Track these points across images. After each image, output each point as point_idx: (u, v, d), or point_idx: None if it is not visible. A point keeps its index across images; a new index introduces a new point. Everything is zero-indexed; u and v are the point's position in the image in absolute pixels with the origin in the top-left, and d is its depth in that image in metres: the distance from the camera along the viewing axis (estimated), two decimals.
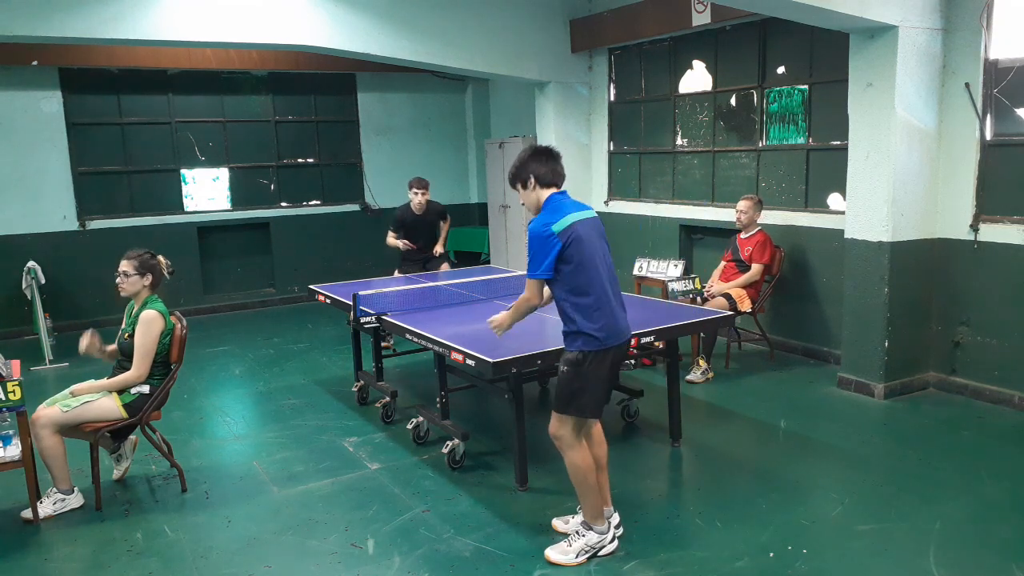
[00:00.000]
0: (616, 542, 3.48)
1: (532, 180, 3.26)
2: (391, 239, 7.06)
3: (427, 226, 7.10)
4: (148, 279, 4.14)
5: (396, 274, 7.08)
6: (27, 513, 3.98)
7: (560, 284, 3.22)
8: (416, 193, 6.94)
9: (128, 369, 4.10)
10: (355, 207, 10.41)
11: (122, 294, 4.18)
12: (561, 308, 3.27)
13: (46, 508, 4.02)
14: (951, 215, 5.41)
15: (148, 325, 4.06)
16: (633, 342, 3.73)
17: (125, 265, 4.11)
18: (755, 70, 6.78)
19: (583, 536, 3.42)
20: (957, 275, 5.43)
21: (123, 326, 4.26)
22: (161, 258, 4.23)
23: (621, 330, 3.30)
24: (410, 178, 7.09)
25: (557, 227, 3.12)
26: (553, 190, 3.28)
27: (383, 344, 6.74)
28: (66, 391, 4.16)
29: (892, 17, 5.02)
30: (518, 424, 4.09)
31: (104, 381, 4.14)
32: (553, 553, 3.42)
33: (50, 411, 3.98)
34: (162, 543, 3.74)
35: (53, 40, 6.48)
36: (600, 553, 3.42)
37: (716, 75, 7.23)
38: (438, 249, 7.23)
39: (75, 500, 4.11)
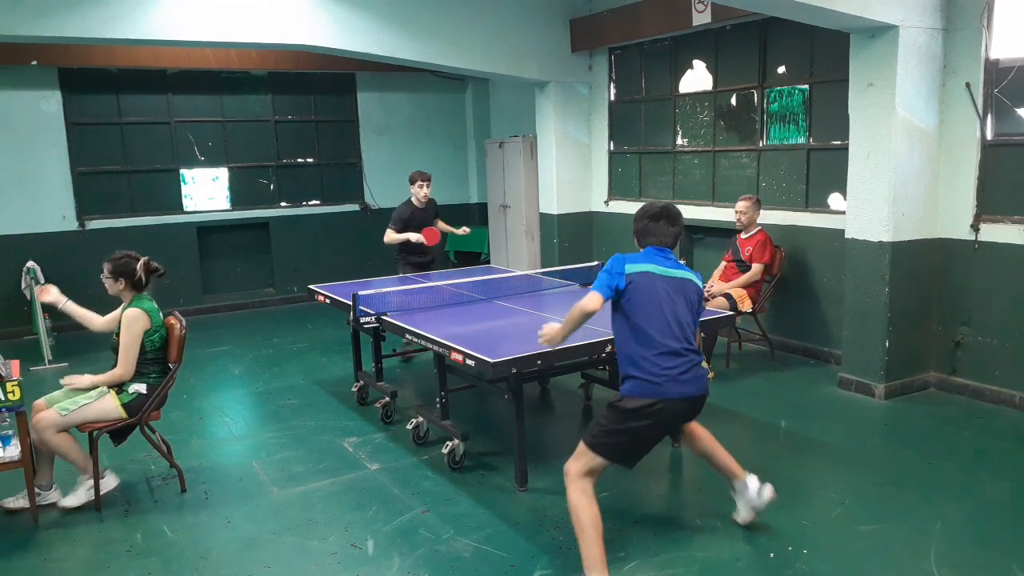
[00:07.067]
0: None
1: (635, 238, 3.45)
2: (393, 235, 6.82)
3: (428, 221, 7.02)
4: (121, 283, 4.14)
5: (400, 275, 6.98)
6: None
7: (618, 322, 3.28)
8: (422, 186, 6.88)
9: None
10: (354, 207, 10.40)
11: (109, 293, 4.22)
12: (616, 349, 3.34)
13: (80, 497, 4.09)
14: (952, 215, 5.41)
15: (129, 323, 4.07)
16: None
17: (104, 267, 4.17)
18: (755, 70, 6.78)
19: None
20: (958, 275, 5.42)
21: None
22: (144, 261, 4.18)
23: (670, 388, 3.15)
24: (411, 172, 6.99)
25: (629, 267, 3.24)
26: (651, 244, 3.37)
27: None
28: (61, 390, 4.17)
29: (893, 17, 5.01)
30: (518, 424, 4.08)
31: (95, 376, 4.15)
32: None
33: (49, 415, 3.98)
34: (161, 543, 3.74)
35: (52, 40, 6.48)
36: None
37: (716, 75, 7.22)
38: (465, 230, 7.28)
39: (111, 480, 4.22)
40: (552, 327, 3.40)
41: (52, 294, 4.38)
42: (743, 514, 3.65)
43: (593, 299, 3.17)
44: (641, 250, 3.39)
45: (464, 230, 7.31)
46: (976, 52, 5.16)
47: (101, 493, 4.11)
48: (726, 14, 6.47)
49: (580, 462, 3.21)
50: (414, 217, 6.92)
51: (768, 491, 3.56)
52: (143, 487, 4.39)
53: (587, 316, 3.21)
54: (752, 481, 3.58)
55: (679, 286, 3.28)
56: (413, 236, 6.82)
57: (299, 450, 4.89)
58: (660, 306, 3.20)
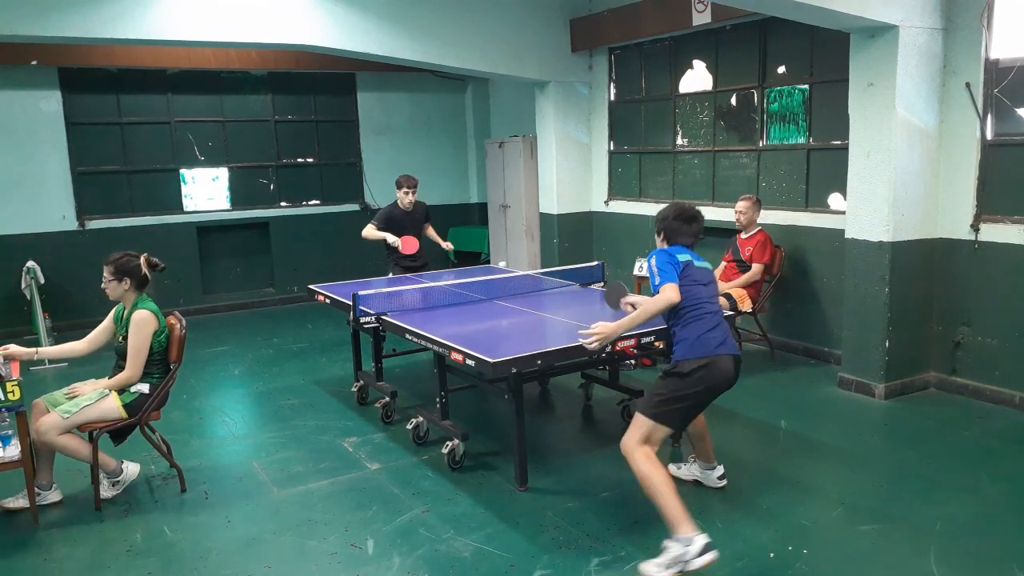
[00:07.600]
0: (709, 554, 3.14)
1: (662, 235, 3.71)
2: (373, 231, 6.74)
3: (415, 224, 6.93)
4: (127, 283, 4.13)
5: (390, 276, 6.95)
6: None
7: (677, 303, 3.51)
8: (408, 192, 6.79)
9: (124, 369, 4.11)
10: (354, 207, 10.40)
11: (110, 297, 4.18)
12: (673, 327, 3.57)
13: (106, 492, 4.18)
14: (952, 215, 5.41)
15: (140, 326, 4.06)
16: (615, 346, 4.01)
17: (105, 271, 4.12)
18: (755, 70, 6.78)
19: (668, 549, 3.21)
20: (958, 275, 5.42)
21: (115, 328, 4.27)
22: (144, 257, 4.17)
23: (720, 347, 3.46)
24: (398, 176, 6.93)
25: (679, 255, 3.58)
26: (680, 243, 3.66)
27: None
28: (64, 390, 4.17)
29: (893, 17, 5.02)
30: (518, 424, 4.08)
31: (103, 381, 4.16)
32: (647, 567, 3.22)
33: (51, 419, 3.98)
34: (161, 543, 3.74)
35: (53, 40, 6.48)
36: (690, 568, 3.13)
37: (716, 75, 7.22)
38: (448, 245, 7.14)
39: (133, 469, 4.31)
40: (605, 326, 3.52)
41: (16, 352, 4.09)
42: (686, 475, 4.17)
43: (673, 291, 3.43)
44: (667, 246, 3.66)
45: (448, 246, 7.17)
46: (976, 52, 5.16)
47: (127, 484, 4.27)
48: (726, 14, 6.47)
49: (638, 434, 3.39)
50: (398, 219, 6.83)
51: (722, 483, 4.08)
52: (143, 487, 4.39)
53: (670, 308, 3.47)
54: (719, 470, 4.09)
55: (708, 275, 3.69)
56: (391, 238, 6.70)
57: (299, 450, 4.89)
58: (702, 287, 3.58)
